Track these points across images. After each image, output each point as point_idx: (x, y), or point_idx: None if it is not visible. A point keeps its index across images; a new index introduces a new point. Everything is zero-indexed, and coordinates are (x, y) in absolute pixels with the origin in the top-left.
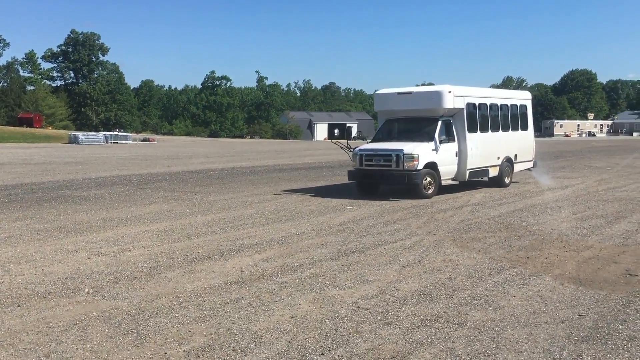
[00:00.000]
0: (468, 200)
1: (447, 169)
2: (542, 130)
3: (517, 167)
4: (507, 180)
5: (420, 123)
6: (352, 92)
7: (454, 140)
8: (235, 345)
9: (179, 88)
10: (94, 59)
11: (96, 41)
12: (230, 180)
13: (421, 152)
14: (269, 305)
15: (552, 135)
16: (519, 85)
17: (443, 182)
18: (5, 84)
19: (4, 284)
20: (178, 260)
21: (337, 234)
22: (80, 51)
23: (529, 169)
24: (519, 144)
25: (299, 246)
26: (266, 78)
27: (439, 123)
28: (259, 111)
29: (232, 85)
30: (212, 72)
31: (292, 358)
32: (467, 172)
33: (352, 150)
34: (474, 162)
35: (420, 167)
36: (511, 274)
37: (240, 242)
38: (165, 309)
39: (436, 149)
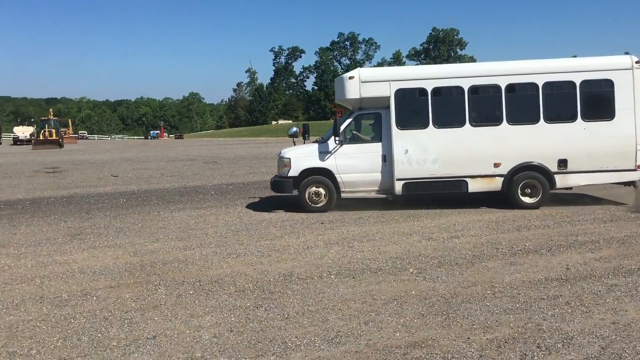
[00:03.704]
0: None
1: (360, 178)
2: None
3: (578, 180)
4: (528, 200)
5: (345, 118)
6: None
7: (378, 140)
8: (540, 342)
9: None
10: (452, 54)
11: (455, 36)
12: None
13: (296, 155)
14: (589, 307)
15: None
16: None
17: (353, 195)
18: None
19: (346, 258)
20: (502, 251)
21: None
22: (440, 47)
23: (632, 184)
24: (578, 142)
25: None
26: None
27: (349, 119)
28: None
29: None
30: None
31: None
32: (400, 183)
33: None
34: (416, 170)
35: (293, 173)
36: None
37: (574, 238)
38: (478, 297)
39: (329, 152)
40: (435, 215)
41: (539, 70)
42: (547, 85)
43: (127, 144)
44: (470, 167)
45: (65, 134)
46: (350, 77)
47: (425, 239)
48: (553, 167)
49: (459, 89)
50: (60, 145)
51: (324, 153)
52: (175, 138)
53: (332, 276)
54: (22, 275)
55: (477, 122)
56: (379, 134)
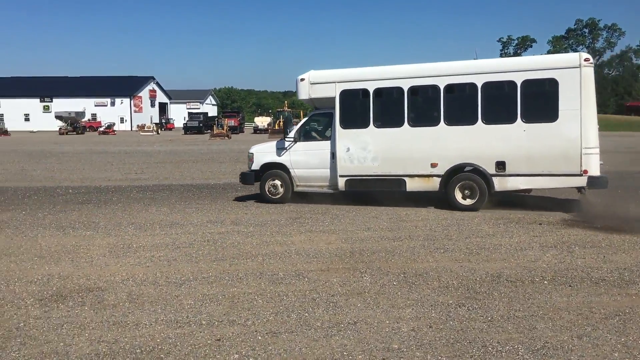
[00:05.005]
0: None
1: (311, 173)
2: None
3: (517, 183)
4: (465, 202)
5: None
6: None
7: (328, 139)
8: None
9: None
10: None
11: None
12: None
13: (258, 151)
14: None
15: None
16: None
17: (307, 189)
18: (617, 73)
19: (563, 263)
20: None
21: None
22: None
23: (580, 190)
24: (517, 144)
25: None
26: None
27: (307, 118)
28: None
29: None
30: None
31: None
32: (343, 179)
33: None
34: (357, 167)
35: (255, 167)
36: None
37: None
38: None
39: (284, 148)
40: None
41: (479, 70)
42: (487, 85)
43: None
44: (408, 167)
45: (295, 124)
46: (302, 79)
47: None
48: (491, 169)
49: (399, 90)
50: None
51: (280, 149)
52: None
53: (545, 282)
54: (248, 252)
55: (415, 122)
56: (330, 132)
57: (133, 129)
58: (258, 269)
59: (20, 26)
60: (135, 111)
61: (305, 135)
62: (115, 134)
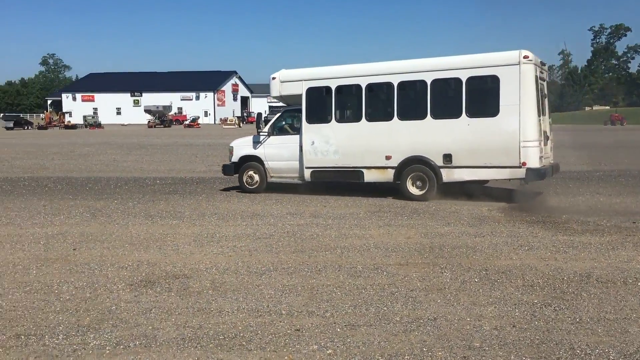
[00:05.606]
0: None
1: (283, 165)
2: None
3: (462, 175)
4: (417, 192)
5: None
6: None
7: (297, 133)
8: None
9: None
10: None
11: None
12: None
13: (237, 144)
14: None
15: None
16: None
17: (280, 179)
18: None
19: None
20: None
21: None
22: None
23: (521, 182)
24: (462, 138)
25: None
26: None
27: (280, 113)
28: None
29: None
30: None
31: None
32: (308, 170)
33: None
34: (321, 159)
35: (234, 159)
36: None
37: None
38: None
39: (258, 142)
40: None
41: (429, 67)
42: (435, 82)
43: None
44: (365, 159)
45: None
46: (273, 78)
47: None
48: (439, 162)
49: (358, 87)
50: None
51: (256, 143)
52: None
53: (639, 283)
54: (326, 244)
55: (372, 117)
56: (300, 127)
57: (216, 122)
58: (337, 262)
59: (112, 25)
60: (218, 105)
61: (278, 129)
62: (199, 127)
